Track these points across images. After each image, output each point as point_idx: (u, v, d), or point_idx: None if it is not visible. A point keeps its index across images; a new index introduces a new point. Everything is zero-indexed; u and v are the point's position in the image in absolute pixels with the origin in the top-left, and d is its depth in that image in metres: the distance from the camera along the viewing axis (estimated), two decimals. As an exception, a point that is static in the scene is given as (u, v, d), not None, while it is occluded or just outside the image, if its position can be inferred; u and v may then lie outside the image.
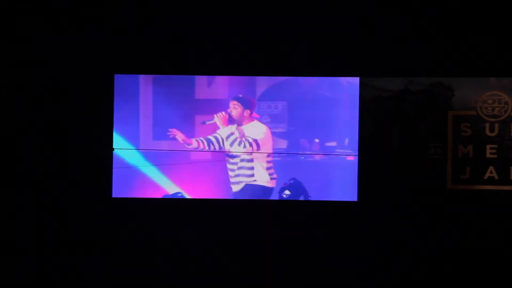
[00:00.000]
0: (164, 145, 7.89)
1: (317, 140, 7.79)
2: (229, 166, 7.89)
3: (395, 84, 7.73)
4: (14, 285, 7.63)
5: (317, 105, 7.82)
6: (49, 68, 7.80)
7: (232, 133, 7.86)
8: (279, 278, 7.67)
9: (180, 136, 7.84)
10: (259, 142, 7.86)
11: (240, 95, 7.89)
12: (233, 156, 7.89)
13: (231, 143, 7.86)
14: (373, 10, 7.65)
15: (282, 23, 7.73)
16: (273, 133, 7.88)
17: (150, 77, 7.88)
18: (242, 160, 7.88)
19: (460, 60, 7.63)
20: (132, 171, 7.88)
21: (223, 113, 7.86)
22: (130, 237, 7.76)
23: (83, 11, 7.77)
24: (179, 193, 7.88)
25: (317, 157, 7.83)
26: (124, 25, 7.79)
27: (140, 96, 7.91)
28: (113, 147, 7.84)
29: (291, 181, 7.82)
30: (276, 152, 7.87)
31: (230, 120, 7.88)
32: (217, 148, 7.86)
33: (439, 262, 7.59)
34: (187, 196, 7.88)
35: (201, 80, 7.92)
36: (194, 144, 7.85)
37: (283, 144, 7.86)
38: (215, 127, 7.89)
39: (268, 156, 7.87)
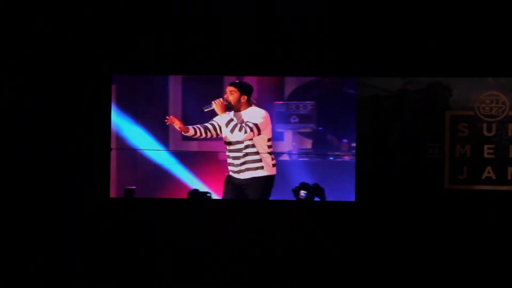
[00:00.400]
0: (193, 145, 7.87)
1: (345, 141, 7.76)
2: (231, 154, 7.77)
3: (393, 84, 7.73)
4: (11, 286, 7.61)
5: (345, 105, 7.75)
6: (47, 68, 7.79)
7: (231, 119, 7.73)
8: (277, 278, 7.67)
9: (177, 124, 7.73)
10: (259, 126, 7.73)
11: (237, 81, 7.81)
12: (234, 144, 7.77)
13: (232, 130, 7.71)
14: (371, 10, 7.66)
15: (281, 23, 7.74)
16: (300, 133, 7.79)
17: (179, 77, 7.84)
18: (246, 147, 7.76)
19: (458, 60, 7.63)
20: (157, 171, 7.84)
21: (221, 99, 7.73)
22: (129, 237, 7.75)
23: (81, 9, 7.77)
24: (208, 193, 7.84)
25: (346, 158, 7.80)
26: (124, 24, 7.80)
27: (169, 96, 7.88)
28: (111, 147, 7.84)
29: (313, 186, 7.74)
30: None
31: (228, 107, 7.76)
32: (214, 135, 7.79)
33: (437, 262, 7.59)
34: (215, 197, 7.83)
35: (230, 81, 7.88)
36: (191, 131, 7.73)
37: (308, 143, 7.79)
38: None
39: (268, 140, 7.79)
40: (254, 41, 7.75)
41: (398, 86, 7.73)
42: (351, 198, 7.69)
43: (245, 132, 7.69)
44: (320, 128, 7.75)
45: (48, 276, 7.69)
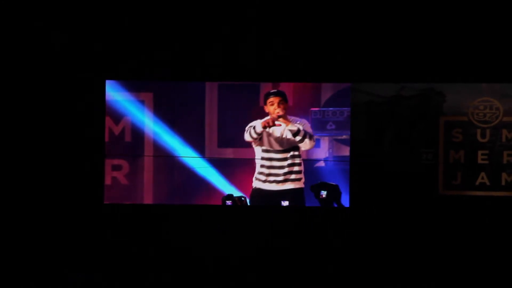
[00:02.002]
0: (228, 152, 7.88)
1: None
2: (277, 163, 7.75)
3: (387, 90, 7.74)
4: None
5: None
6: (42, 73, 7.79)
7: (298, 129, 7.66)
8: (273, 281, 7.68)
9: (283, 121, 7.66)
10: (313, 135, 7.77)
11: (275, 90, 7.75)
12: (282, 152, 7.75)
13: (302, 139, 7.65)
14: (365, 16, 7.67)
15: (276, 29, 7.75)
16: (337, 140, 7.80)
17: (215, 84, 7.86)
18: (293, 157, 7.76)
19: (452, 65, 7.64)
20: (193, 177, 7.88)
21: (278, 113, 7.64)
22: (123, 243, 7.74)
23: (77, 13, 7.79)
24: (243, 196, 7.84)
25: None
26: (120, 31, 7.81)
27: (205, 104, 7.91)
28: (149, 154, 7.89)
29: (333, 186, 7.74)
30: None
31: (279, 117, 7.70)
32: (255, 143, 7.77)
33: (431, 267, 7.59)
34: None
35: (266, 88, 7.86)
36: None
37: (345, 151, 7.79)
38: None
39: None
40: (248, 47, 7.78)
41: (392, 92, 7.74)
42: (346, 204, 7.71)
43: (314, 140, 7.72)
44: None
45: (42, 281, 7.69)
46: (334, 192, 7.72)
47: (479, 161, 7.65)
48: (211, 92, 7.90)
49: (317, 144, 7.81)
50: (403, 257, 7.62)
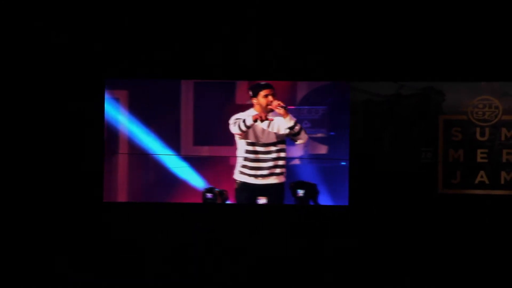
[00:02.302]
0: (204, 150, 7.86)
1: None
2: (263, 156, 7.72)
3: (387, 89, 7.74)
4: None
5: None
6: (42, 72, 7.79)
7: (296, 122, 7.62)
8: (271, 280, 7.68)
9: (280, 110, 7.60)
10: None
11: (264, 83, 7.73)
12: (268, 146, 7.74)
13: (298, 132, 7.62)
14: (363, 14, 7.68)
15: (273, 28, 7.76)
16: (313, 138, 7.80)
17: (191, 82, 7.85)
18: (279, 151, 7.73)
19: (451, 64, 7.64)
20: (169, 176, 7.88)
21: (276, 105, 7.60)
22: (122, 241, 7.74)
23: (77, 14, 7.80)
24: (224, 190, 7.82)
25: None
26: (119, 29, 7.82)
27: (181, 102, 7.90)
28: (120, 151, 7.87)
29: (310, 185, 7.74)
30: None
31: (270, 110, 7.70)
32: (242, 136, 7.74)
33: (431, 266, 7.59)
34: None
35: (242, 86, 7.86)
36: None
37: (323, 149, 7.80)
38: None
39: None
40: (248, 46, 7.79)
41: (391, 90, 7.74)
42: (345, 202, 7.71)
43: (306, 133, 7.70)
44: (332, 133, 7.74)
45: (40, 280, 7.70)
46: (312, 191, 7.72)
47: (479, 160, 7.65)
48: (186, 90, 7.88)
49: (292, 142, 7.81)
50: (402, 256, 7.61)
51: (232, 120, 7.69)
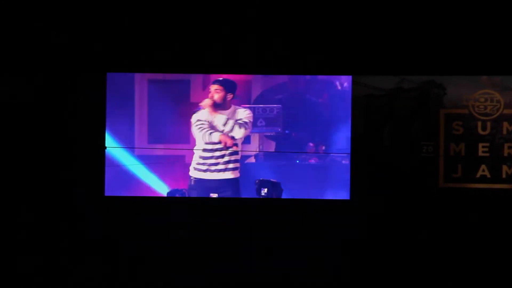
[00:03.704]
0: (159, 148, 7.87)
1: (311, 144, 7.79)
2: (217, 153, 7.75)
3: (387, 83, 7.73)
4: (7, 284, 7.64)
5: (311, 108, 7.80)
6: (41, 67, 7.81)
7: (228, 118, 7.72)
8: (270, 276, 7.68)
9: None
10: (250, 124, 7.79)
11: (220, 78, 7.78)
12: (213, 145, 7.76)
13: (232, 128, 7.72)
14: (364, 8, 7.67)
15: (274, 22, 7.76)
16: (266, 136, 7.84)
17: (145, 77, 7.84)
18: (231, 153, 7.77)
19: (452, 58, 7.63)
20: (125, 172, 7.85)
21: (208, 100, 7.75)
22: (123, 235, 7.76)
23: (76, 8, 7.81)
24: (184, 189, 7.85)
25: (312, 161, 7.83)
26: (117, 22, 7.82)
27: (135, 98, 7.88)
28: (105, 145, 7.85)
29: (273, 183, 7.77)
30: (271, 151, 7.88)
31: (215, 106, 7.77)
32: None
33: (432, 260, 7.59)
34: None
35: (196, 84, 7.87)
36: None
37: (271, 146, 7.85)
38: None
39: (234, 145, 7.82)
40: (245, 40, 7.78)
41: (392, 84, 7.73)
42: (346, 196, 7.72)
43: (245, 129, 7.71)
44: (287, 132, 7.78)
45: (41, 276, 7.72)
46: (275, 189, 7.74)
47: (480, 154, 7.64)
48: (140, 87, 7.86)
49: (247, 140, 7.84)
50: (403, 250, 7.61)
51: (198, 125, 7.75)
